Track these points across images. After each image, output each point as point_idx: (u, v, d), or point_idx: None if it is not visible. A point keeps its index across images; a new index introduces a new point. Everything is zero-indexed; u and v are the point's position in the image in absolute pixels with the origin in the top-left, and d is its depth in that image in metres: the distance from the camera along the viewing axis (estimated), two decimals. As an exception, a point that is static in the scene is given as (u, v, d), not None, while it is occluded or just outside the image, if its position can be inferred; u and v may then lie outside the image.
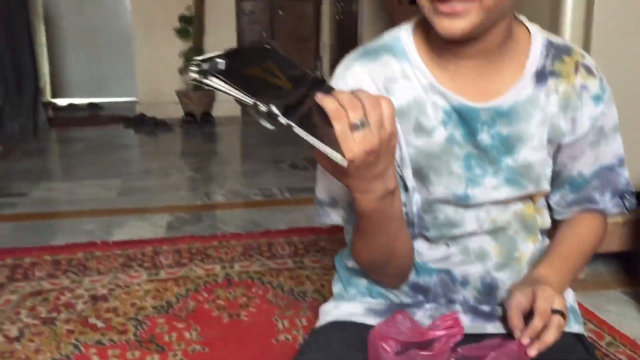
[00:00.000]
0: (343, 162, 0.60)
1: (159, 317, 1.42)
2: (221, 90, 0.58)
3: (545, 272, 0.82)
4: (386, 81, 0.81)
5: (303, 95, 0.64)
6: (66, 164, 3.17)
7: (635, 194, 0.91)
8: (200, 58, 0.59)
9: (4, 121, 3.38)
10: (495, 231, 0.85)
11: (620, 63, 1.44)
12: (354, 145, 0.61)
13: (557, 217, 0.91)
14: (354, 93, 0.63)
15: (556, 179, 0.88)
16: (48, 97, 5.29)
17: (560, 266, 0.84)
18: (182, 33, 4.40)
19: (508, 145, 0.81)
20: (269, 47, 0.70)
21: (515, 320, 0.76)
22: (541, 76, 0.81)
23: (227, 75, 0.59)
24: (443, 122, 0.80)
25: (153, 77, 4.53)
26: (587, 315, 1.39)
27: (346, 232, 0.90)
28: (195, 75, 0.57)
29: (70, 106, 5.22)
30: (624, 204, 0.89)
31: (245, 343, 1.31)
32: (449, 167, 0.81)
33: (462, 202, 0.82)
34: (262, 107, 0.58)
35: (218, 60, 0.59)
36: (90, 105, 5.24)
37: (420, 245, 0.87)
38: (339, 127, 0.60)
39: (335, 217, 0.87)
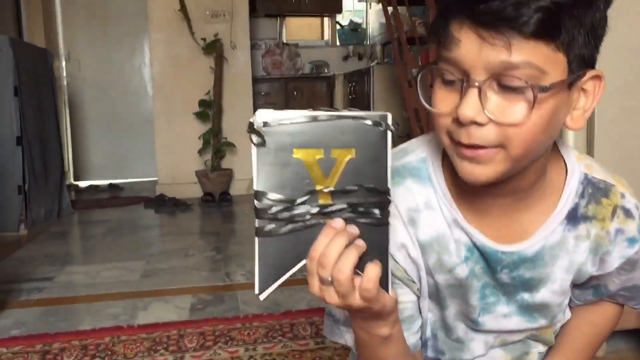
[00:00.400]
0: (259, 294, 0.59)
1: (185, 401, 1.45)
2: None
3: None
4: (410, 212, 0.76)
5: (318, 212, 0.58)
6: (90, 247, 3.25)
7: None
8: (263, 119, 0.54)
9: (31, 205, 3.50)
10: (506, 344, 0.85)
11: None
12: (315, 285, 0.60)
13: (572, 305, 0.90)
14: (344, 254, 0.58)
15: (583, 282, 0.84)
16: (70, 179, 5.47)
17: (574, 357, 0.86)
18: (201, 116, 4.58)
19: (528, 285, 0.79)
20: (382, 127, 0.57)
21: None
22: (573, 219, 0.76)
23: (262, 147, 0.54)
24: (465, 259, 0.77)
25: (173, 158, 4.69)
26: (610, 394, 1.40)
27: None
28: (248, 129, 0.55)
29: (91, 187, 5.38)
30: None
31: None
32: (466, 298, 0.79)
33: (473, 325, 0.82)
34: (256, 201, 0.54)
35: (260, 133, 0.54)
36: (111, 186, 5.39)
37: None
38: (309, 266, 0.59)
39: (349, 339, 0.81)
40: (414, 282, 0.79)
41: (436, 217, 0.76)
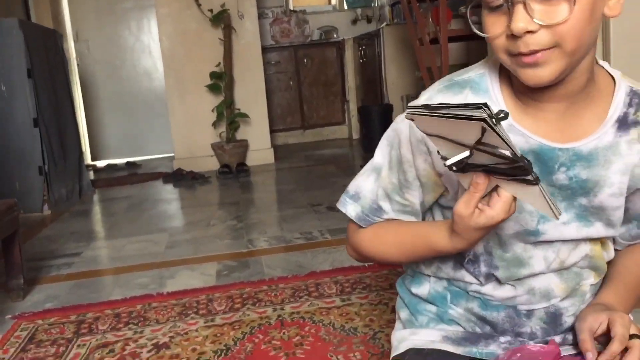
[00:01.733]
0: (557, 215, 0.68)
1: (219, 360, 1.49)
2: (500, 139, 0.60)
3: (612, 300, 0.86)
4: None
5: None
6: (113, 223, 3.30)
7: None
8: (477, 105, 0.59)
9: (52, 186, 3.55)
10: (562, 270, 0.88)
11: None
12: (506, 212, 0.72)
13: (618, 247, 0.94)
14: None
15: (624, 215, 0.88)
16: (88, 159, 5.53)
17: (625, 295, 0.88)
18: (213, 88, 4.59)
19: (586, 188, 0.82)
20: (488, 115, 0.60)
21: (588, 344, 0.79)
22: (623, 125, 0.81)
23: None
24: None
25: (188, 132, 4.72)
26: None
27: (352, 229, 0.97)
28: (486, 118, 0.58)
29: (109, 166, 5.44)
30: None
31: (304, 379, 1.37)
32: (520, 204, 0.81)
33: (532, 238, 0.85)
34: (523, 162, 0.62)
35: (502, 111, 0.61)
36: (128, 164, 5.44)
37: (486, 287, 0.91)
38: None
39: (350, 209, 0.94)
40: (441, 187, 0.89)
41: None
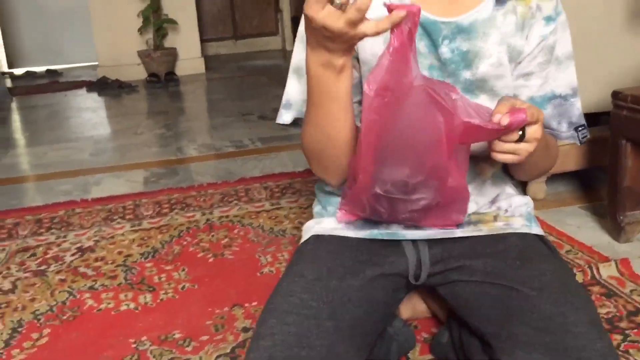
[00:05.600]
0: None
1: (146, 262, 1.48)
2: None
3: None
4: None
5: None
6: (33, 130, 3.15)
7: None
8: None
9: (-36, 92, 3.33)
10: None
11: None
12: (319, 11, 0.67)
13: None
14: None
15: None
16: (4, 67, 5.19)
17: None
18: (138, -9, 4.33)
19: (467, 60, 0.87)
20: None
21: (501, 108, 0.74)
22: (501, 0, 0.87)
23: None
24: None
25: (112, 38, 4.47)
26: (548, 229, 1.50)
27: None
28: None
29: (28, 74, 5.13)
30: (577, 136, 0.94)
31: (231, 278, 1.38)
32: None
33: None
34: None
35: None
36: (48, 72, 5.15)
37: None
38: None
39: (286, 117, 0.95)
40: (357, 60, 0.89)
41: None
